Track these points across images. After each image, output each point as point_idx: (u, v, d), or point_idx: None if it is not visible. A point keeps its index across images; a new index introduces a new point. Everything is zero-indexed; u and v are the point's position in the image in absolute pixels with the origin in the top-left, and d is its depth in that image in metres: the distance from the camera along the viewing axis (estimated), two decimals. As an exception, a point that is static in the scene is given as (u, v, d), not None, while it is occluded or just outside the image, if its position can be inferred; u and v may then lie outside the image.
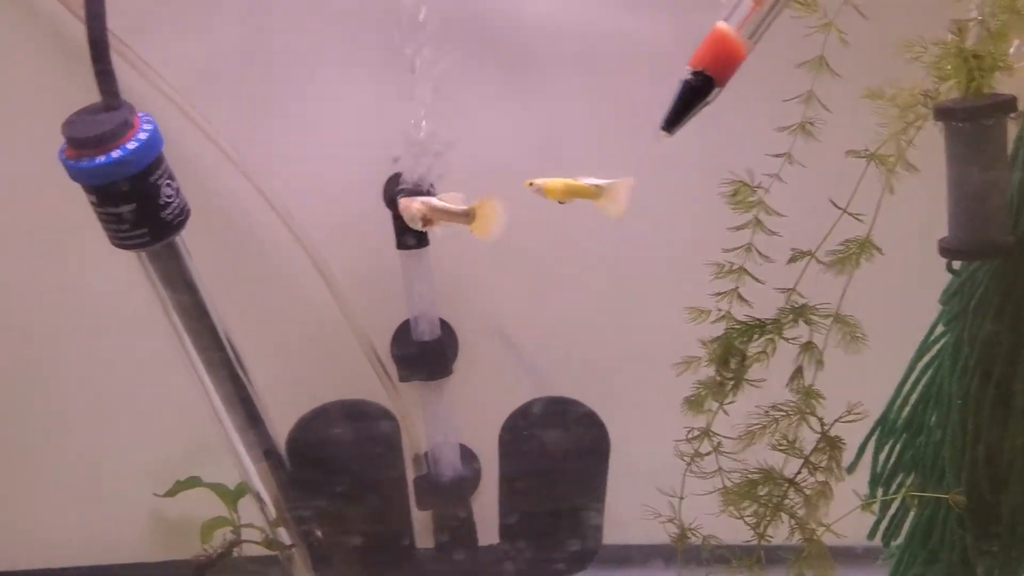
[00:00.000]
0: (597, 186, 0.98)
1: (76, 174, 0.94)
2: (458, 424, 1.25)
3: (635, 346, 1.27)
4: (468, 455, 1.28)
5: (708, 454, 1.04)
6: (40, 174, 1.09)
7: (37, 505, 1.31)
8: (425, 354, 1.21)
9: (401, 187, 1.11)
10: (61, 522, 1.31)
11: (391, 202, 1.13)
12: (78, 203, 0.96)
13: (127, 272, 1.03)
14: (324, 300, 1.20)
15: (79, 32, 1.09)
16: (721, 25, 0.68)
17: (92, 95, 0.95)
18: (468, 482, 1.26)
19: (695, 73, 0.68)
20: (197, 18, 1.16)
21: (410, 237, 1.14)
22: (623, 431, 1.22)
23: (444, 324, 1.23)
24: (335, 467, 1.20)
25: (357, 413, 1.21)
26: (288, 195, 1.17)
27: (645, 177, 1.20)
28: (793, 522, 1.01)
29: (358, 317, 1.21)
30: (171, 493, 1.22)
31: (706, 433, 1.04)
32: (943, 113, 0.85)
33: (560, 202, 1.01)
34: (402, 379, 1.22)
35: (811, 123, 0.97)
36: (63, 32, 1.14)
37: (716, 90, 0.68)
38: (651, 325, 1.26)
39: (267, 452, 1.16)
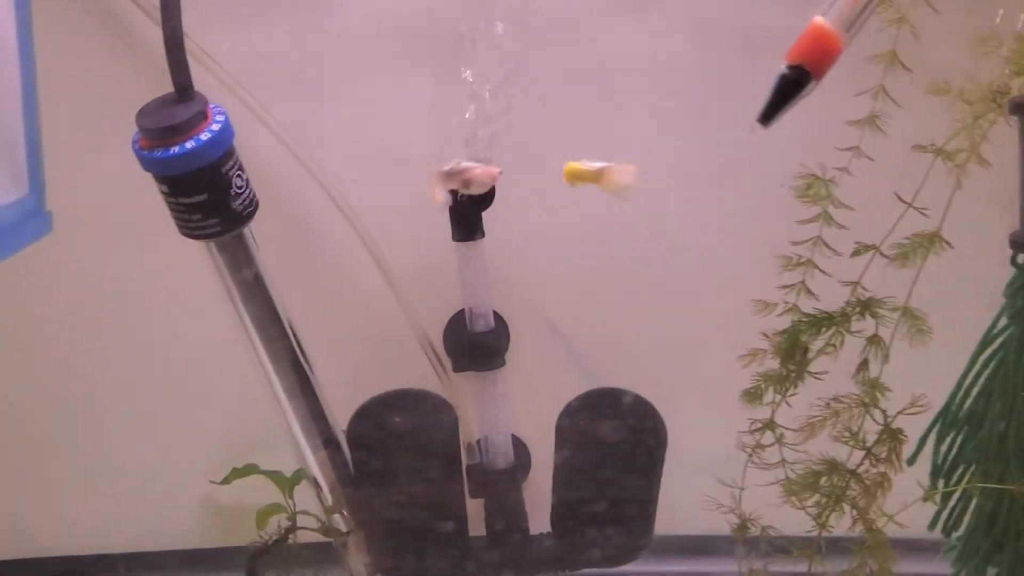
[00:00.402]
0: (599, 169, 0.99)
1: (149, 164, 0.93)
2: (510, 414, 1.26)
3: (688, 337, 1.28)
4: (519, 444, 1.29)
5: (771, 445, 1.05)
6: (104, 163, 1.11)
7: (94, 491, 1.32)
8: (479, 345, 1.21)
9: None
10: (117, 508, 1.32)
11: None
12: (145, 192, 0.96)
13: (194, 260, 1.03)
14: (381, 291, 1.21)
15: (146, 27, 1.11)
16: (819, 19, 0.68)
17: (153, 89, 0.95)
18: (520, 471, 1.27)
19: (792, 67, 0.68)
20: (256, 9, 1.17)
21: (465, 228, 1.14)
22: (677, 422, 1.23)
23: (496, 315, 1.24)
24: (394, 455, 1.21)
25: (416, 402, 1.21)
26: (346, 186, 1.18)
27: (700, 169, 1.22)
28: (855, 513, 1.02)
29: (414, 308, 1.22)
30: (227, 480, 1.22)
31: (769, 425, 1.04)
32: (1020, 108, 0.86)
33: (571, 185, 1.01)
34: (456, 369, 1.23)
35: (878, 117, 0.98)
36: (129, 25, 1.15)
37: (813, 83, 0.68)
38: (704, 317, 1.27)
39: (327, 440, 1.16)
